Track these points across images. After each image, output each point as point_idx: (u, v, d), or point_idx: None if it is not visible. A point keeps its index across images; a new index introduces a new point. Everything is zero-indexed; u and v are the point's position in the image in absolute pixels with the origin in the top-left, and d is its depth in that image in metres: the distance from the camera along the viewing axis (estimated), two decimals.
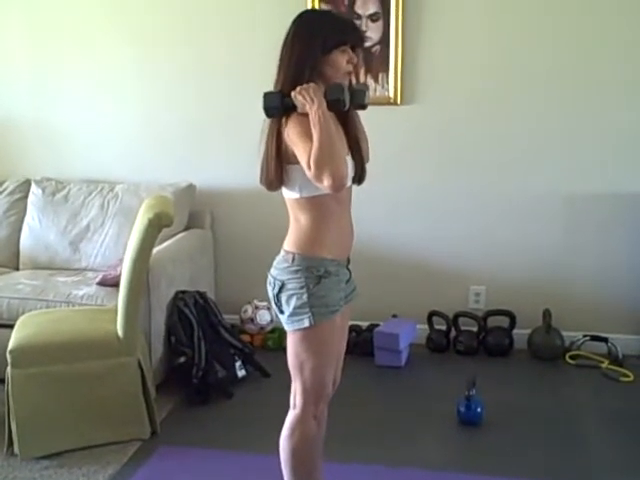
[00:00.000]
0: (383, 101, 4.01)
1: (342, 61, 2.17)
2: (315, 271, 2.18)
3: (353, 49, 2.20)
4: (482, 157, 4.09)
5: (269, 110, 2.15)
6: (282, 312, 2.25)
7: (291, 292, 2.20)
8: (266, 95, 2.15)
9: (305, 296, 2.17)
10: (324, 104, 2.07)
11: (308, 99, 2.07)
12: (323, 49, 2.13)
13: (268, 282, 2.28)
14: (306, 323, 2.19)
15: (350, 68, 2.20)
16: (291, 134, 2.10)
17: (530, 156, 4.05)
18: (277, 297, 2.24)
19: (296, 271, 2.19)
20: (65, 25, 4.37)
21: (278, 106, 2.13)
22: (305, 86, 2.09)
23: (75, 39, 4.38)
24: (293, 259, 2.20)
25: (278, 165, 2.18)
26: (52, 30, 4.39)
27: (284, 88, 2.15)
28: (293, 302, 2.19)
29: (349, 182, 2.24)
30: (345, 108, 2.15)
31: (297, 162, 2.12)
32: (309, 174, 2.04)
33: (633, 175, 3.97)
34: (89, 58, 4.39)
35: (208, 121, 4.32)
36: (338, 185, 2.01)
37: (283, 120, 2.14)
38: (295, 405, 2.32)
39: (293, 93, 2.10)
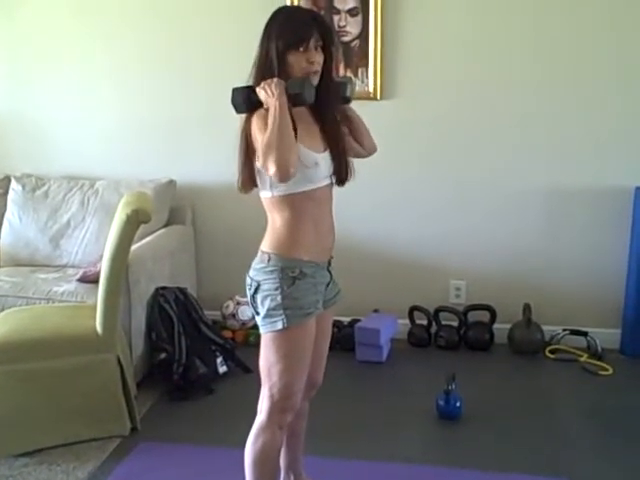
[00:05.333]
0: (363, 96, 3.99)
1: (300, 62, 2.14)
2: (290, 272, 2.16)
3: (325, 47, 2.18)
4: (463, 152, 4.11)
5: (236, 106, 2.17)
6: (258, 313, 2.23)
7: (266, 293, 2.18)
8: (234, 91, 2.17)
9: (279, 297, 2.16)
10: (283, 97, 2.08)
11: (269, 92, 2.08)
12: (277, 51, 2.13)
13: (246, 283, 2.26)
14: (279, 325, 2.16)
15: (311, 68, 2.16)
16: (253, 129, 2.12)
17: (511, 151, 4.07)
18: (253, 298, 2.23)
19: (271, 272, 2.17)
20: (45, 21, 4.34)
21: (245, 101, 2.15)
22: (268, 81, 2.11)
23: (55, 35, 4.35)
24: (269, 259, 2.19)
25: (249, 163, 2.18)
26: (32, 26, 4.36)
27: (255, 84, 2.16)
28: (267, 303, 2.17)
29: (324, 181, 2.22)
30: (306, 103, 2.15)
31: None
32: (258, 163, 2.08)
33: (613, 170, 3.99)
34: (69, 55, 4.37)
35: (188, 117, 4.31)
36: (283, 173, 1.99)
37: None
38: (261, 410, 2.30)
39: (257, 88, 2.12)
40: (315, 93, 2.16)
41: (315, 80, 2.18)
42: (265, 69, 2.16)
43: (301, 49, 2.13)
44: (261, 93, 2.11)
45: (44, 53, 4.39)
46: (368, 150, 2.43)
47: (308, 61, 2.15)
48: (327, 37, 2.20)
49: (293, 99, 2.10)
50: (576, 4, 3.87)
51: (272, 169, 2.00)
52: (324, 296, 2.31)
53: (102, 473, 2.91)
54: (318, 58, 2.17)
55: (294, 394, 2.26)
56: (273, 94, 2.07)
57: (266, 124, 2.06)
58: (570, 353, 4.01)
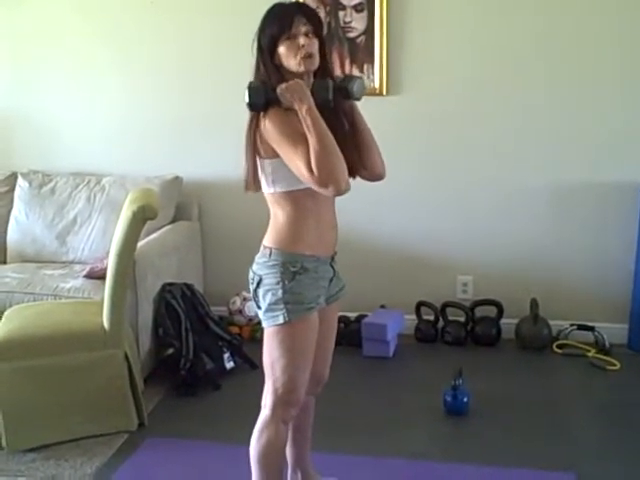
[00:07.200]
0: (369, 92, 3.94)
1: (291, 49, 2.09)
2: (291, 267, 2.16)
3: (317, 34, 2.13)
4: (469, 147, 4.10)
5: (255, 105, 2.09)
6: (259, 307, 2.24)
7: (267, 287, 2.18)
8: (254, 89, 2.09)
9: (280, 292, 2.15)
10: (313, 104, 2.05)
11: (297, 98, 2.04)
12: (269, 47, 2.11)
13: (249, 277, 2.26)
14: (280, 319, 2.16)
15: (303, 51, 2.09)
16: (272, 131, 2.06)
17: (517, 146, 4.06)
18: (255, 292, 2.23)
19: (273, 266, 2.17)
20: (49, 19, 4.34)
21: (263, 101, 2.08)
22: (292, 83, 2.06)
23: (60, 33, 4.35)
24: (270, 254, 2.18)
25: (255, 161, 2.15)
26: (36, 23, 4.37)
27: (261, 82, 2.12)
28: (268, 298, 2.17)
29: None
30: (331, 106, 2.12)
31: (271, 156, 2.10)
32: (308, 179, 2.01)
33: (619, 165, 3.98)
34: (74, 52, 4.37)
35: (195, 113, 4.31)
36: (344, 191, 2.02)
37: (261, 113, 2.10)
38: (265, 405, 2.30)
39: (279, 90, 2.06)
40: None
41: (315, 64, 2.13)
42: (266, 67, 2.13)
43: (285, 36, 2.09)
44: (285, 96, 2.05)
45: (49, 50, 4.40)
46: (371, 173, 2.30)
47: (298, 46, 2.10)
48: (314, 21, 2.15)
49: (318, 105, 2.06)
50: (580, 3, 3.86)
51: (333, 188, 2.00)
52: (328, 291, 2.30)
53: (109, 468, 2.92)
54: (308, 42, 2.11)
55: (297, 388, 2.26)
56: (302, 100, 2.03)
57: (292, 129, 2.04)
58: (577, 348, 4.00)
